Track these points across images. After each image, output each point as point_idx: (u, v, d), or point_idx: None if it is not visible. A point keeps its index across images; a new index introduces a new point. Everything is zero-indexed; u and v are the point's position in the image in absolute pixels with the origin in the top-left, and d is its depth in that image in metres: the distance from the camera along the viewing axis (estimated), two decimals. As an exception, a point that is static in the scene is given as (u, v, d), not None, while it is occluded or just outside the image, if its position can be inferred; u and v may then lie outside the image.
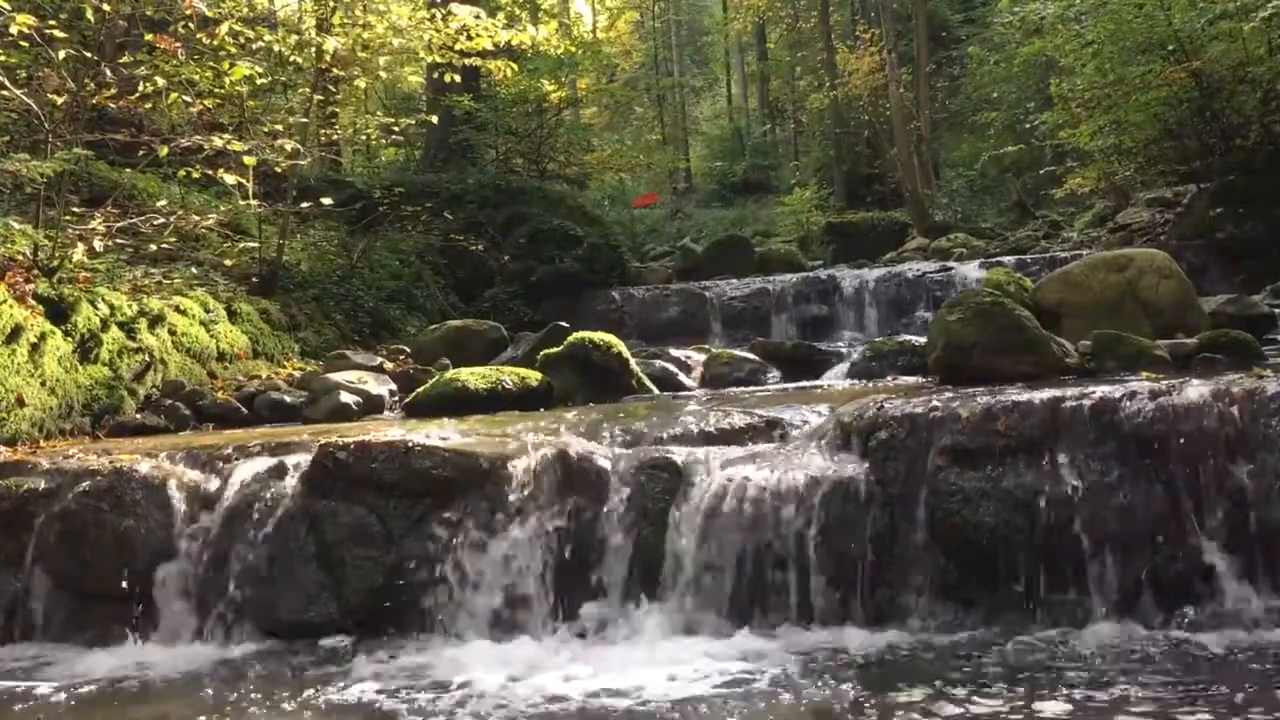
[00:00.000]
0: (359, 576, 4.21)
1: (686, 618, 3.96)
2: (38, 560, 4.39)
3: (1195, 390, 3.98)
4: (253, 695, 3.56)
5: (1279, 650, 3.43)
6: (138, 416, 6.07)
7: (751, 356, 7.35)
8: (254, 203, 8.12)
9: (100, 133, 7.81)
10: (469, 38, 8.60)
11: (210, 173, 7.26)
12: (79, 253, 6.31)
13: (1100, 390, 4.13)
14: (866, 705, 3.16)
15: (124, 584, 4.31)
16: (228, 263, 8.50)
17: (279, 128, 8.21)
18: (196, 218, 7.94)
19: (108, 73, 6.74)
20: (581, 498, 4.25)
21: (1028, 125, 18.05)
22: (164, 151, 6.80)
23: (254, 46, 8.03)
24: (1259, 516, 3.70)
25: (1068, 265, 7.20)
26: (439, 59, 8.82)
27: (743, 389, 6.71)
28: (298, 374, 7.53)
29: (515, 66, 9.71)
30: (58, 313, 5.86)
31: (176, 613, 4.26)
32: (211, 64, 7.61)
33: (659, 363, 7.07)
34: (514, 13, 13.28)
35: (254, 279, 8.48)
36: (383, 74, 10.19)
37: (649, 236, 23.03)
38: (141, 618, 4.26)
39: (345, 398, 6.37)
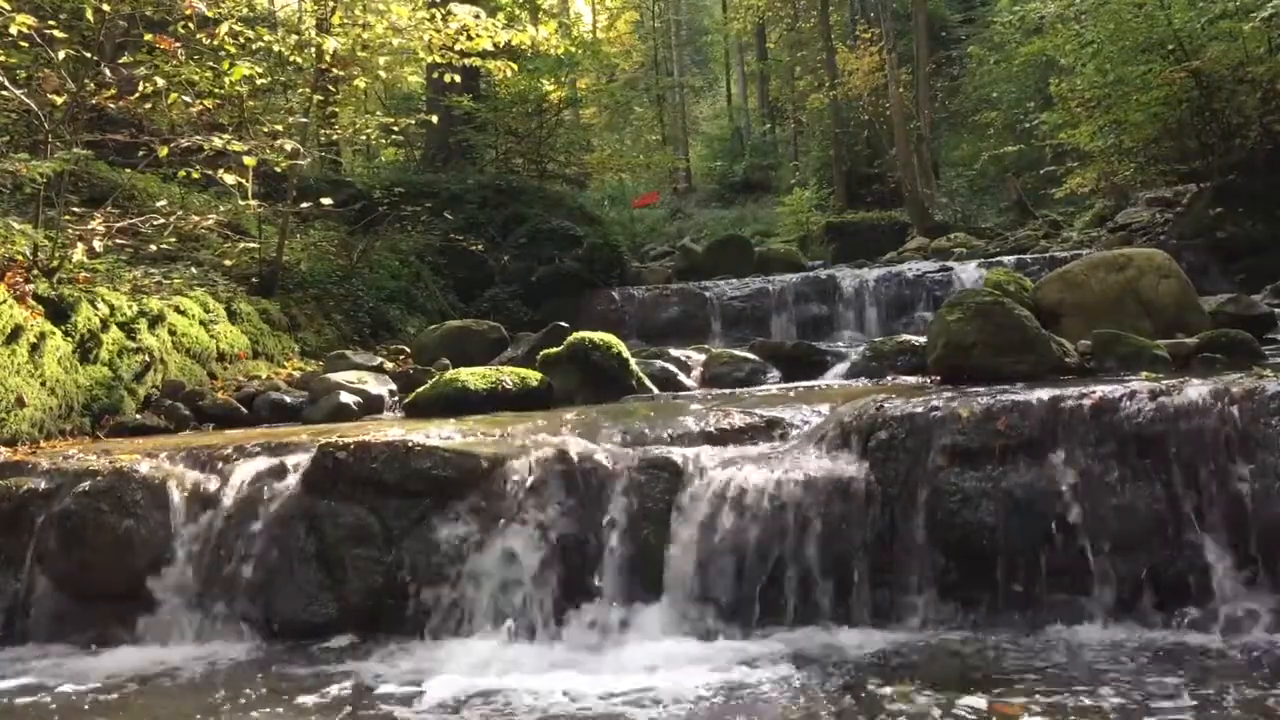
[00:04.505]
0: (359, 576, 4.21)
1: (686, 618, 3.96)
2: (38, 561, 4.39)
3: (1195, 390, 3.98)
4: (252, 696, 3.55)
5: (1279, 650, 3.43)
6: (138, 416, 6.07)
7: (751, 356, 7.34)
8: (254, 203, 8.12)
9: (100, 133, 7.81)
10: (469, 38, 8.60)
11: (210, 173, 7.26)
12: (79, 253, 6.31)
13: (1100, 390, 4.13)
14: (866, 706, 3.15)
15: (124, 584, 4.32)
16: (228, 263, 8.50)
17: (279, 128, 8.20)
18: (196, 218, 7.94)
19: (108, 73, 6.74)
20: (581, 498, 4.25)
21: (1028, 125, 18.07)
22: (164, 151, 6.79)
23: (254, 46, 8.03)
24: (1259, 516, 3.70)
25: (1068, 265, 7.20)
26: (439, 59, 8.82)
27: (743, 389, 6.70)
28: (298, 374, 7.53)
29: (515, 66, 9.70)
30: (58, 313, 5.86)
31: (176, 613, 4.26)
32: (211, 64, 7.61)
33: (659, 363, 7.07)
34: (514, 13, 13.28)
35: (254, 279, 8.48)
36: (383, 74, 10.18)
37: (649, 236, 23.03)
38: (141, 618, 4.26)
39: (345, 398, 6.37)
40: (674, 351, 7.64)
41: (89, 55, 6.85)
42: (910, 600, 3.93)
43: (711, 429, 4.74)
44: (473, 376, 6.26)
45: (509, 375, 6.31)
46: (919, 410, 4.24)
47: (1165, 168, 13.47)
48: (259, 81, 8.17)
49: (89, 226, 6.67)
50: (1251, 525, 3.70)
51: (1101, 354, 5.58)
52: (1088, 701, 3.08)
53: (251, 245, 8.77)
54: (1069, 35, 14.36)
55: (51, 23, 6.41)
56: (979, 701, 3.11)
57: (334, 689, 3.55)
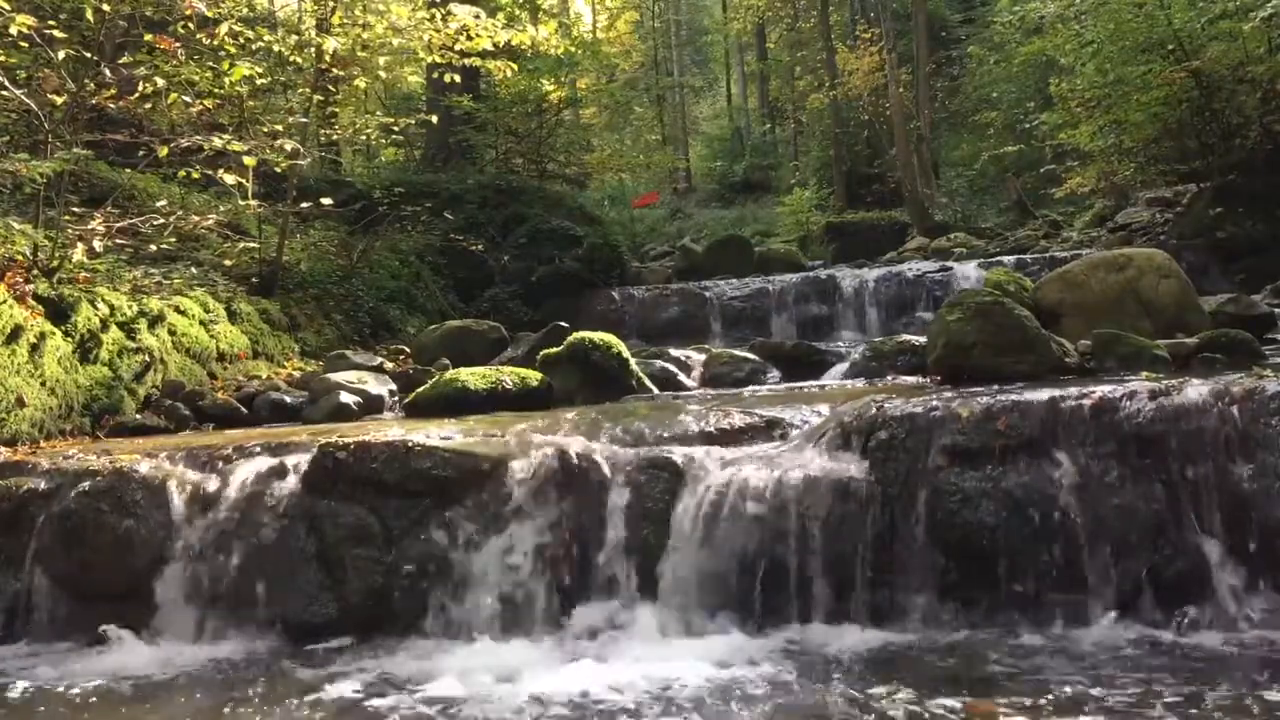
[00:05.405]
0: (359, 576, 4.21)
1: (686, 618, 3.96)
2: (38, 560, 4.40)
3: (1195, 390, 3.98)
4: (252, 695, 3.56)
5: (1278, 650, 3.44)
6: (138, 416, 6.07)
7: (751, 356, 7.34)
8: (254, 203, 8.12)
9: (100, 133, 7.81)
10: (469, 38, 8.60)
11: (210, 173, 7.26)
12: (79, 253, 6.31)
13: (1100, 390, 4.13)
14: (866, 705, 3.16)
15: (124, 584, 4.32)
16: (228, 263, 8.50)
17: (279, 128, 8.20)
18: (196, 218, 7.94)
19: (108, 73, 6.74)
20: (581, 498, 4.25)
21: (1028, 125, 18.07)
22: (164, 151, 6.79)
23: (254, 46, 8.03)
24: (1259, 516, 3.70)
25: (1068, 265, 7.20)
26: (439, 59, 8.82)
27: (743, 389, 6.70)
28: (298, 374, 7.53)
29: (515, 66, 9.70)
30: (58, 313, 5.86)
31: (176, 613, 4.27)
32: (211, 64, 7.61)
33: (659, 363, 7.07)
34: (514, 13, 13.28)
35: (254, 279, 8.48)
36: (383, 74, 10.19)
37: (649, 236, 23.03)
38: (141, 618, 4.26)
39: (345, 398, 6.37)
40: (674, 351, 7.64)
41: (89, 55, 6.85)
42: (910, 600, 3.93)
43: (711, 429, 4.74)
44: (473, 376, 6.26)
45: (509, 375, 6.31)
46: (919, 410, 4.24)
47: (1165, 168, 13.47)
48: (259, 81, 8.16)
49: (89, 226, 6.67)
50: (1251, 525, 3.71)
51: (1101, 354, 5.58)
52: (1076, 701, 3.08)
53: (251, 245, 8.77)
54: (1069, 35, 14.37)
55: (51, 23, 6.41)
56: (957, 701, 3.11)
57: (334, 689, 3.55)
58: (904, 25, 24.52)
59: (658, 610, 3.98)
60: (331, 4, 8.67)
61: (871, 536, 4.00)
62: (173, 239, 7.83)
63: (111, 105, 6.97)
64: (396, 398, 6.84)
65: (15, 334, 5.43)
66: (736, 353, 7.50)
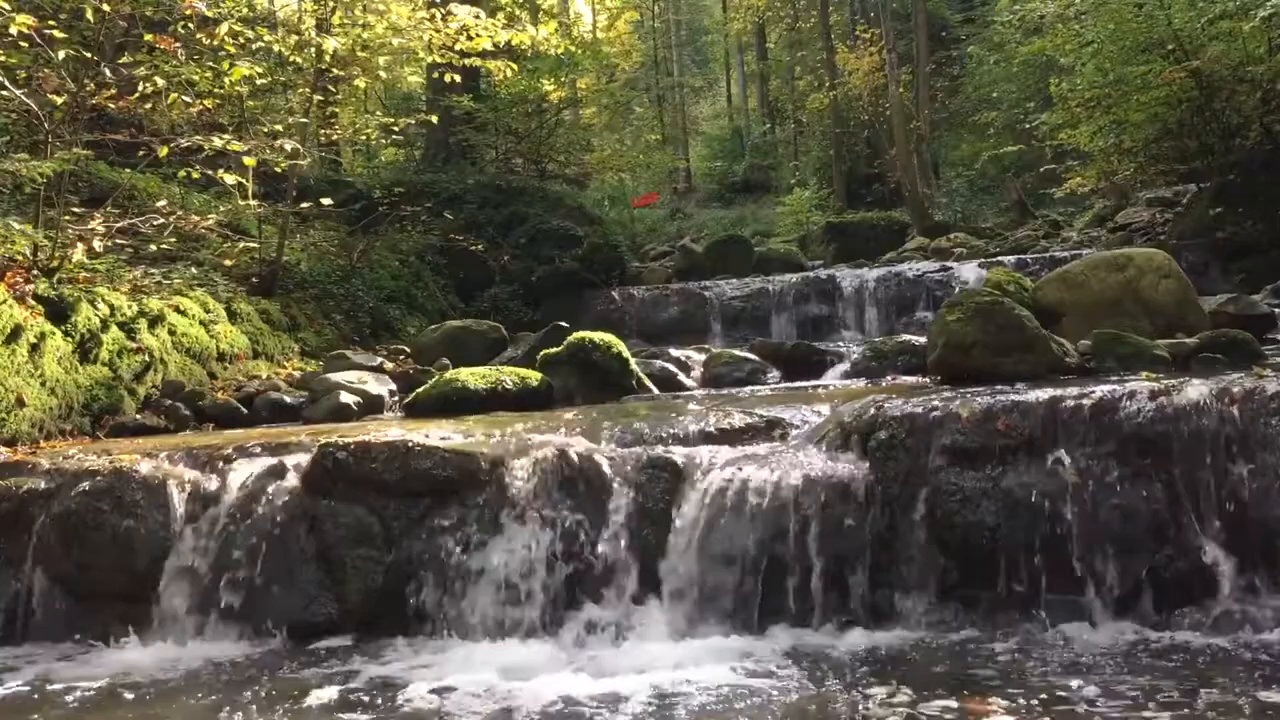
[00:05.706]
0: (359, 576, 4.22)
1: (687, 618, 3.96)
2: (38, 561, 4.40)
3: (1195, 390, 3.98)
4: (252, 696, 3.55)
5: (1278, 650, 3.44)
6: (138, 416, 6.07)
7: (751, 356, 7.35)
8: (254, 203, 8.13)
9: (100, 133, 7.82)
10: (469, 38, 8.61)
11: (210, 173, 7.26)
12: (79, 253, 6.32)
13: (1100, 390, 4.13)
14: (866, 705, 3.15)
15: (124, 584, 4.32)
16: (228, 263, 8.50)
17: (279, 128, 8.21)
18: (196, 218, 7.95)
19: (108, 73, 6.74)
20: (582, 498, 4.25)
21: (1028, 125, 18.06)
22: (164, 151, 6.80)
23: (254, 46, 8.03)
24: (1259, 516, 3.70)
25: (1068, 265, 7.20)
26: (439, 59, 8.83)
27: (743, 389, 6.71)
28: (298, 374, 7.53)
29: (515, 66, 9.71)
30: (58, 313, 5.86)
31: (176, 613, 4.26)
32: (211, 64, 7.61)
33: (659, 363, 7.08)
34: (514, 13, 13.29)
35: (254, 279, 8.48)
36: (383, 74, 10.20)
37: (649, 236, 23.01)
38: (141, 618, 4.26)
39: (345, 398, 6.37)
40: (674, 351, 7.65)
41: (89, 55, 6.85)
42: (910, 600, 3.93)
43: (711, 429, 4.74)
44: (473, 376, 6.26)
45: (509, 375, 6.31)
46: (919, 410, 4.24)
47: (1165, 168, 13.46)
48: (259, 81, 8.17)
49: (89, 226, 6.67)
50: (1251, 525, 3.71)
51: (1101, 354, 5.58)
52: (1074, 701, 3.08)
53: (251, 245, 8.77)
54: (1069, 35, 14.35)
55: (51, 23, 6.41)
56: (955, 702, 3.11)
57: (333, 689, 3.55)
58: (904, 25, 24.52)
59: (657, 611, 3.98)
60: (331, 4, 8.67)
61: (871, 536, 4.00)
62: (173, 239, 7.83)
63: (111, 105, 6.97)
64: (396, 398, 6.84)
65: (15, 334, 5.44)
66: (736, 353, 7.51)
